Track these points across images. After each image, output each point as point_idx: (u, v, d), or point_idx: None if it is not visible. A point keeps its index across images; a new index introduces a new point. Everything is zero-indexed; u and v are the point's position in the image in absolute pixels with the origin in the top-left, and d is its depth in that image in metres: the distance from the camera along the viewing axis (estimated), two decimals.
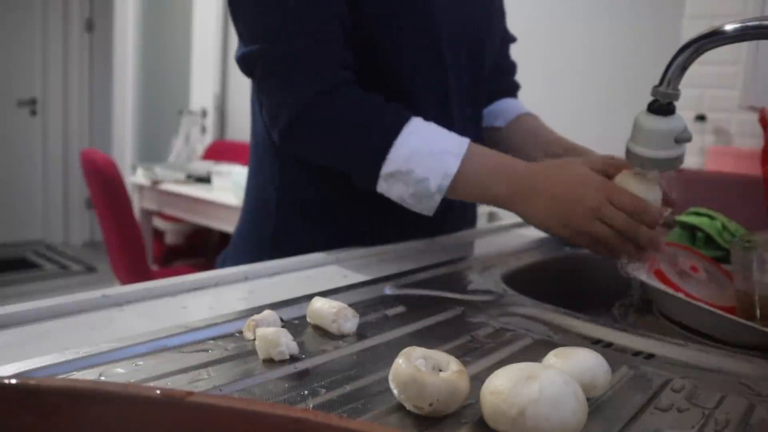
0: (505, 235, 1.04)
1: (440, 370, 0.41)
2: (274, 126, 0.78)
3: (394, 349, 0.47)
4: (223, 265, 0.93)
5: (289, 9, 0.73)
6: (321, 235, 0.86)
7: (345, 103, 0.75)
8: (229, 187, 2.64)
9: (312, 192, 0.86)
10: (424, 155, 0.72)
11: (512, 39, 1.05)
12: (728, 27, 0.62)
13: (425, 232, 0.91)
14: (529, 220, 0.74)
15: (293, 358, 0.48)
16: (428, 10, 0.80)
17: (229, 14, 0.79)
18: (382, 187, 0.75)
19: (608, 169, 0.74)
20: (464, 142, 0.74)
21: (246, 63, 0.77)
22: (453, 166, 0.72)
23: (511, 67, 1.07)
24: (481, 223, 1.08)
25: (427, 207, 0.75)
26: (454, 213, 0.95)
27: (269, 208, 0.88)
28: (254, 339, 0.49)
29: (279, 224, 0.87)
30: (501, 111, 1.02)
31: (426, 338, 0.55)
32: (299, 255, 0.78)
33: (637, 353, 0.55)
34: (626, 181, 0.72)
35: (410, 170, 0.72)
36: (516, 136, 0.98)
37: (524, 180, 0.73)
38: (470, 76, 0.89)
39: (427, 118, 0.78)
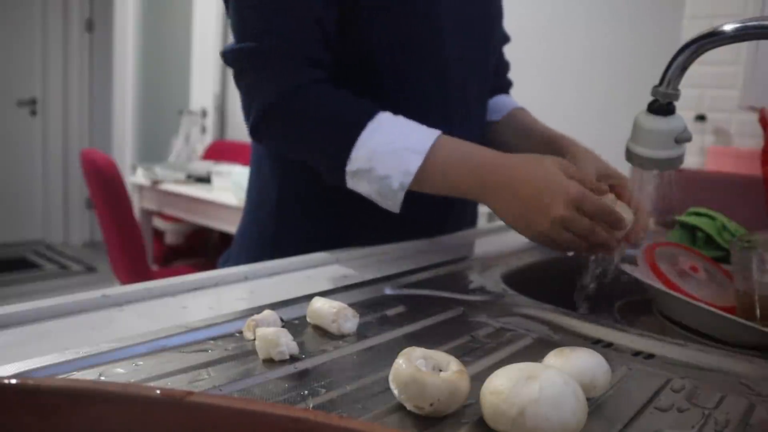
0: (505, 235, 1.04)
1: (440, 370, 0.41)
2: (246, 121, 0.79)
3: (394, 349, 0.47)
4: (225, 265, 0.94)
5: (263, 10, 0.74)
6: (321, 233, 0.86)
7: (310, 101, 0.75)
8: (229, 187, 2.64)
9: (312, 190, 0.86)
10: (385, 153, 0.72)
11: (507, 39, 1.06)
12: (728, 27, 0.62)
13: (426, 232, 0.91)
14: (495, 213, 0.73)
15: (293, 358, 0.48)
16: (430, 4, 0.80)
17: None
18: (350, 183, 0.75)
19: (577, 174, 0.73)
20: (431, 136, 0.73)
21: (224, 59, 0.79)
22: (414, 163, 0.71)
23: (505, 66, 1.08)
24: (481, 223, 1.08)
25: (392, 204, 0.75)
26: (455, 212, 0.95)
27: (270, 207, 0.88)
28: (254, 339, 0.49)
29: (279, 223, 0.88)
30: (496, 106, 1.03)
31: (426, 338, 0.55)
32: (299, 254, 0.78)
33: (637, 353, 0.55)
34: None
35: (372, 168, 0.72)
36: (508, 131, 1.00)
37: (489, 174, 0.71)
38: (477, 75, 0.90)
39: (428, 118, 0.77)
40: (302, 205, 0.87)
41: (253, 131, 0.79)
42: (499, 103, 1.03)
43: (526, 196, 0.68)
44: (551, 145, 0.91)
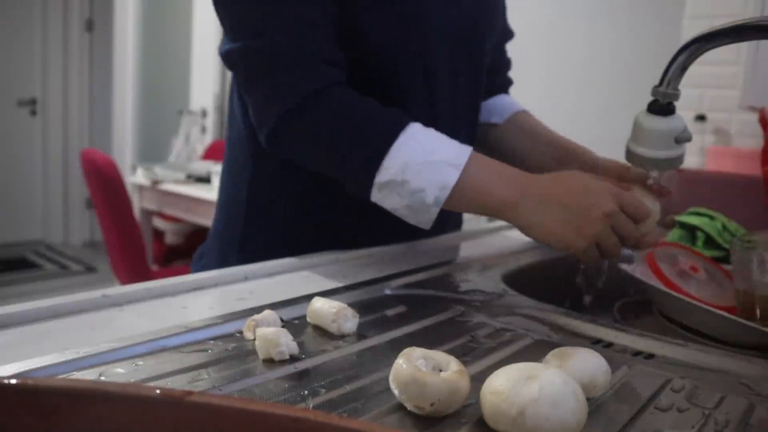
0: (505, 235, 1.04)
1: (440, 370, 0.41)
2: (260, 128, 0.74)
3: (394, 349, 0.47)
4: (200, 261, 0.92)
5: (272, 2, 0.69)
6: (291, 235, 0.84)
7: (337, 105, 0.70)
8: None
9: (284, 191, 0.84)
10: (421, 165, 0.67)
11: (510, 35, 1.03)
12: (728, 27, 0.62)
13: (401, 236, 0.88)
14: (533, 229, 0.68)
15: (293, 358, 0.48)
16: (417, 6, 0.78)
17: (213, 7, 0.74)
18: (376, 196, 0.70)
19: (613, 173, 0.72)
20: (465, 150, 0.70)
21: (229, 61, 0.73)
22: (452, 177, 0.67)
23: (507, 64, 1.04)
24: (481, 223, 1.08)
25: (424, 220, 0.70)
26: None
27: (240, 206, 0.86)
28: (254, 339, 0.49)
29: (248, 222, 0.85)
30: (497, 107, 0.99)
31: (426, 338, 0.55)
32: (267, 254, 0.78)
33: (637, 353, 0.55)
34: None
35: (405, 181, 0.68)
36: (514, 135, 0.97)
37: (530, 186, 0.68)
38: (467, 79, 0.88)
39: (413, 117, 0.76)
40: (273, 206, 0.84)
41: (271, 139, 0.73)
42: (500, 105, 1.00)
43: (573, 203, 0.66)
44: (558, 149, 0.89)
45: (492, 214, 0.70)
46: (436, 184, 0.68)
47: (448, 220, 0.97)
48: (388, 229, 0.79)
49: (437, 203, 0.68)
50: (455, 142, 0.71)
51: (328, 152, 0.71)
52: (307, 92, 0.70)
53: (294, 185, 0.83)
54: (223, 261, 0.85)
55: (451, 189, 0.68)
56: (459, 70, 0.86)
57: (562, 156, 0.89)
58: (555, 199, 0.67)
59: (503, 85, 1.04)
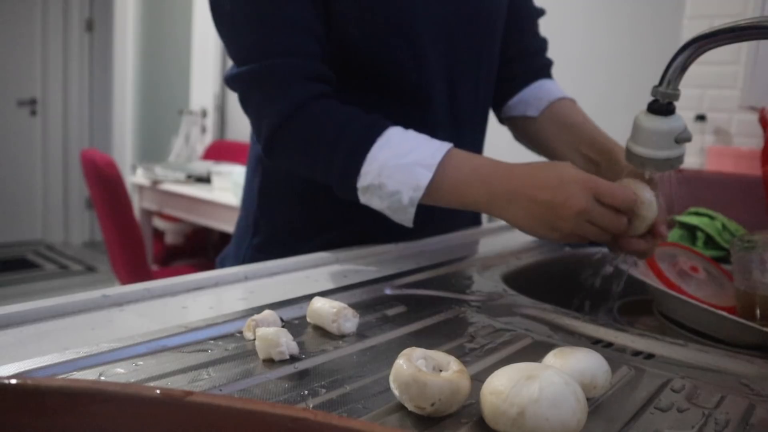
0: (505, 235, 1.04)
1: (440, 370, 0.41)
2: (258, 142, 0.79)
3: (394, 349, 0.47)
4: (222, 263, 0.96)
5: (256, 30, 0.74)
6: (297, 234, 0.87)
7: (316, 117, 0.74)
8: (229, 187, 2.64)
9: (289, 186, 0.87)
10: (395, 168, 0.71)
11: (538, 13, 1.00)
12: (728, 27, 0.62)
13: (401, 236, 0.88)
14: (513, 225, 0.71)
15: (293, 358, 0.48)
16: (405, 7, 0.78)
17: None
18: (363, 199, 0.74)
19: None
20: (441, 150, 0.72)
21: (230, 84, 0.79)
22: (424, 178, 0.70)
23: (541, 44, 1.01)
24: (482, 223, 1.08)
25: (404, 219, 0.74)
26: (435, 215, 0.88)
27: (253, 198, 0.90)
28: (254, 339, 0.49)
29: (259, 213, 0.90)
30: (534, 97, 0.96)
31: (426, 338, 0.55)
32: (275, 252, 0.80)
33: (637, 353, 0.55)
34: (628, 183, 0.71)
35: (382, 184, 0.71)
36: (550, 129, 0.93)
37: (501, 184, 0.69)
38: (468, 75, 0.87)
39: (406, 122, 0.76)
40: (281, 199, 0.88)
41: (266, 152, 0.78)
42: (537, 94, 0.96)
43: (544, 199, 0.66)
44: (600, 152, 0.85)
45: (472, 209, 0.74)
46: (410, 186, 0.71)
47: (456, 217, 0.97)
48: (390, 224, 0.80)
49: (412, 203, 0.72)
50: (433, 142, 0.73)
51: (314, 162, 0.76)
52: (291, 107, 0.74)
53: (297, 185, 0.86)
54: (237, 260, 0.91)
55: (424, 189, 0.71)
56: (458, 66, 0.85)
57: (604, 160, 0.84)
58: (525, 196, 0.68)
59: (541, 67, 1.00)
